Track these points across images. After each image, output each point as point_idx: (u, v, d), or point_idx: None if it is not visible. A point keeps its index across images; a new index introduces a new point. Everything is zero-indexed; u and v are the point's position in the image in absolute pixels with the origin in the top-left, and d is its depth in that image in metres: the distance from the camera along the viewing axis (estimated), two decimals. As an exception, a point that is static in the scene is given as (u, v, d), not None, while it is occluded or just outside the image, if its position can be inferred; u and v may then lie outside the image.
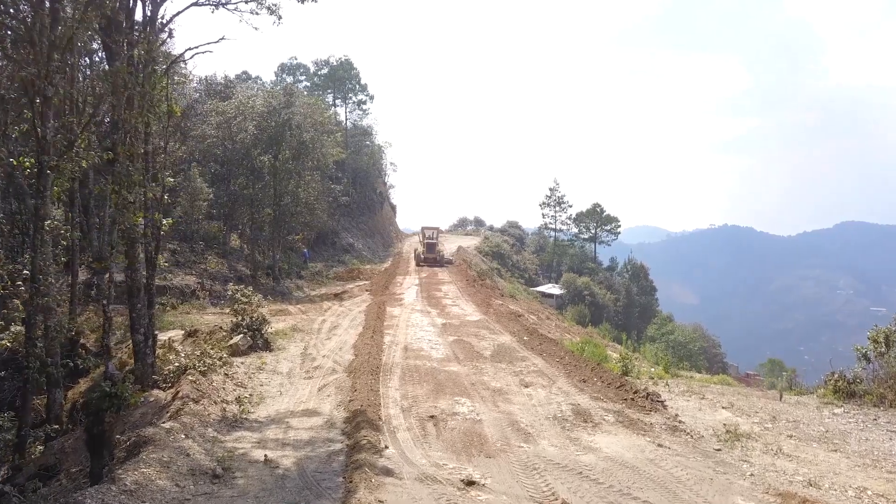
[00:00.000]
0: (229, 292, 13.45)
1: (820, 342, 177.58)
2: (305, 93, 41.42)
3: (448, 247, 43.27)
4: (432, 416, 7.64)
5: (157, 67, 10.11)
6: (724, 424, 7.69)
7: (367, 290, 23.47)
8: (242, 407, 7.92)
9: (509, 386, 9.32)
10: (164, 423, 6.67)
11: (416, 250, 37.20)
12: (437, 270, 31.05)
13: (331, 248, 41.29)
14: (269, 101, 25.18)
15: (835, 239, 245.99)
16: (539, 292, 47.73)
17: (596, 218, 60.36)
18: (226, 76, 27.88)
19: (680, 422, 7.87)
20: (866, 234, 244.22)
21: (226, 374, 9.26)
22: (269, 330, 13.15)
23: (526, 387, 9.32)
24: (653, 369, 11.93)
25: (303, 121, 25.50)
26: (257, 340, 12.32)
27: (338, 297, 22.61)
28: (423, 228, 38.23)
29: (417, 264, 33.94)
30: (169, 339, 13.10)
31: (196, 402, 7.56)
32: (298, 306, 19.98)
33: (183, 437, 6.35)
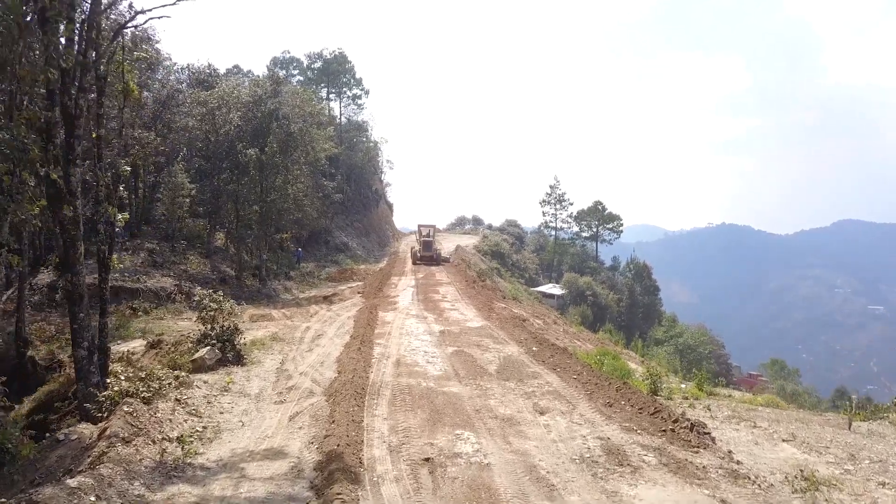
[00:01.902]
0: (196, 297, 11.76)
1: (818, 341, 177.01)
2: (299, 87, 39.75)
3: (446, 246, 41.82)
4: (428, 460, 6.02)
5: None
6: (799, 468, 6.10)
7: (359, 293, 21.84)
8: (188, 447, 6.28)
9: (521, 413, 7.72)
10: (72, 478, 5.04)
11: (412, 249, 35.80)
12: (434, 270, 29.48)
13: (324, 247, 39.63)
14: (255, 90, 23.46)
15: (833, 238, 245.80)
16: (539, 292, 46.22)
17: (597, 216, 58.89)
18: (209, 64, 26.16)
19: (738, 462, 6.28)
20: (864, 233, 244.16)
21: (178, 400, 7.62)
22: (243, 341, 11.51)
23: (542, 414, 7.72)
24: (683, 385, 10.36)
25: (291, 111, 23.81)
26: (227, 353, 10.69)
27: (327, 299, 20.97)
28: (419, 226, 36.74)
29: (414, 263, 32.59)
30: (127, 351, 11.46)
31: (127, 442, 5.92)
32: (283, 310, 18.34)
33: (93, 499, 4.72)
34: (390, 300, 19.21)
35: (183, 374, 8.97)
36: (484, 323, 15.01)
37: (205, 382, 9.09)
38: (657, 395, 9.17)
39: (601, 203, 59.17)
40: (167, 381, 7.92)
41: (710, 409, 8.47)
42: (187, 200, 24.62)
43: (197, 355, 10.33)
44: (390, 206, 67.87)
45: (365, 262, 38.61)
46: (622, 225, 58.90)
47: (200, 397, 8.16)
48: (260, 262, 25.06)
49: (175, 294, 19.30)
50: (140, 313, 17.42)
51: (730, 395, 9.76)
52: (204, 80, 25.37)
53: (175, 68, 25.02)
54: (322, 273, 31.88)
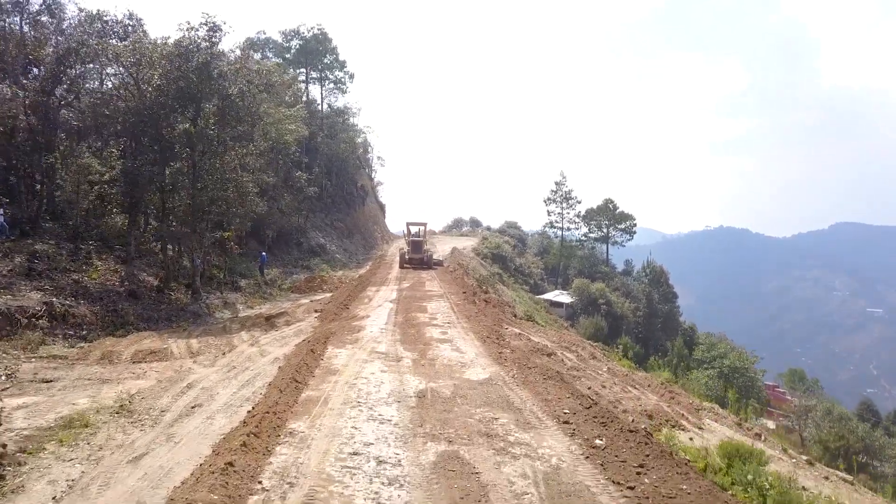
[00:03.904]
0: None
1: (817, 343, 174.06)
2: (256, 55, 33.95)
3: (441, 248, 36.29)
4: None
5: None
6: None
7: (316, 311, 15.93)
8: None
9: None
10: None
11: (401, 250, 30.34)
12: (424, 277, 23.74)
13: (295, 249, 33.68)
14: (183, 40, 17.51)
15: (830, 240, 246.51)
16: (546, 300, 40.57)
17: (608, 215, 53.27)
18: (131, 13, 20.19)
19: None
20: (862, 235, 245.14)
21: None
22: (14, 435, 5.61)
23: None
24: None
25: (231, 70, 17.91)
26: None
27: (270, 321, 15.08)
28: (408, 224, 31.09)
29: (401, 266, 27.23)
30: None
31: None
32: (195, 341, 12.42)
33: None
34: (355, 324, 13.29)
35: None
36: (494, 370, 9.14)
37: None
38: None
39: (612, 201, 53.62)
40: None
41: None
42: (95, 187, 18.77)
43: None
44: (382, 207, 62.17)
45: (344, 268, 32.73)
46: (635, 225, 53.33)
47: None
48: (194, 269, 19.14)
49: (41, 316, 13.31)
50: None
51: None
52: (119, 32, 19.43)
53: (81, 16, 19.07)
54: (287, 281, 26.01)
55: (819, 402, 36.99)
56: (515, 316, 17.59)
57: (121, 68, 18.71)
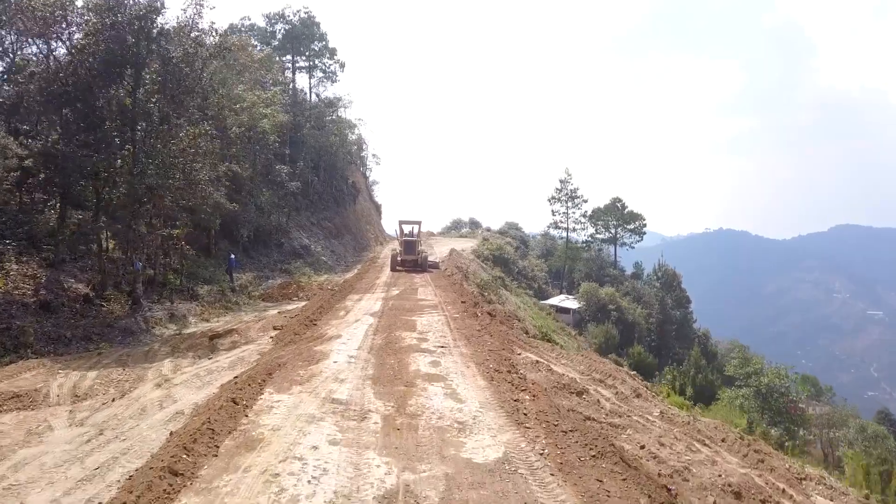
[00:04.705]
0: None
1: (817, 345, 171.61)
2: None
3: (440, 249, 33.10)
4: None
5: None
6: None
7: (275, 329, 12.51)
8: None
9: None
10: None
11: (393, 251, 27.18)
12: (417, 283, 20.46)
13: (275, 251, 30.22)
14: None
15: (830, 242, 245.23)
16: (552, 306, 37.30)
17: (616, 215, 49.98)
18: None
19: None
20: (861, 237, 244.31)
21: None
22: None
23: None
24: None
25: (178, 30, 14.54)
26: None
27: (214, 341, 11.69)
28: (400, 223, 27.79)
29: (393, 269, 24.13)
30: None
31: None
32: (92, 374, 9.00)
33: None
34: (318, 348, 9.88)
35: None
36: (510, 439, 5.77)
37: None
38: None
39: (620, 200, 50.35)
40: None
41: None
42: (15, 174, 15.40)
43: None
44: (377, 207, 58.89)
45: (329, 272, 29.36)
46: (645, 225, 50.06)
47: None
48: (135, 274, 15.73)
49: None
50: None
51: None
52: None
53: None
54: (259, 287, 22.62)
55: (850, 417, 33.77)
56: (527, 333, 14.20)
57: (40, 26, 15.34)
